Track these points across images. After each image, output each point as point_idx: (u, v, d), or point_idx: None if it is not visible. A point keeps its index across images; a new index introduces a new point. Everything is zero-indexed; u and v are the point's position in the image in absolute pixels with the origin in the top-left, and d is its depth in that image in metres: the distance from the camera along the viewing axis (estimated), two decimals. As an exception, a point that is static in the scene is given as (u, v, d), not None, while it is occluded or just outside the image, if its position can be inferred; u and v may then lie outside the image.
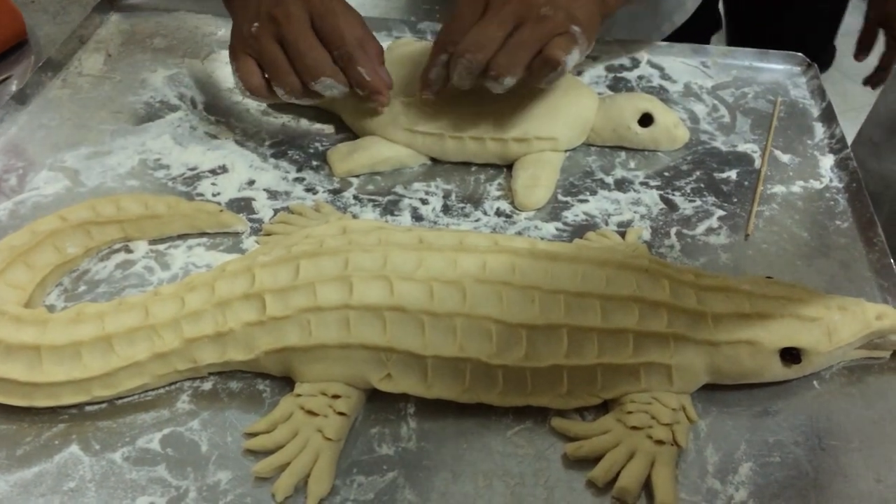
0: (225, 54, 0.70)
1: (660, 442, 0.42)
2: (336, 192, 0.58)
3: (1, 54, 0.70)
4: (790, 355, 0.44)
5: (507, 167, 0.60)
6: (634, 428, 0.42)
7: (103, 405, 0.44)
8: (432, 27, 0.73)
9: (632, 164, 0.61)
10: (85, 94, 0.65)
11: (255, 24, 0.55)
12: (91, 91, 0.66)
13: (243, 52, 0.55)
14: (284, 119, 0.64)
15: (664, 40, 0.80)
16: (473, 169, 0.60)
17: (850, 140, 0.63)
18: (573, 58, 0.53)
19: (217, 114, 0.64)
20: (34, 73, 0.66)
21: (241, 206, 0.56)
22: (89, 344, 0.43)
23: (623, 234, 0.55)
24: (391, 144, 0.59)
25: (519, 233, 0.55)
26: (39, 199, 0.56)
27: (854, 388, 0.46)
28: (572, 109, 0.60)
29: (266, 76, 0.56)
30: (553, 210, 0.57)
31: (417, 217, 0.56)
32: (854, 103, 2.01)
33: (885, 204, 0.79)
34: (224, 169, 0.59)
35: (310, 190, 0.58)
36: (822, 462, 0.43)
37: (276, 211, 0.56)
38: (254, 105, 0.65)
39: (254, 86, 0.56)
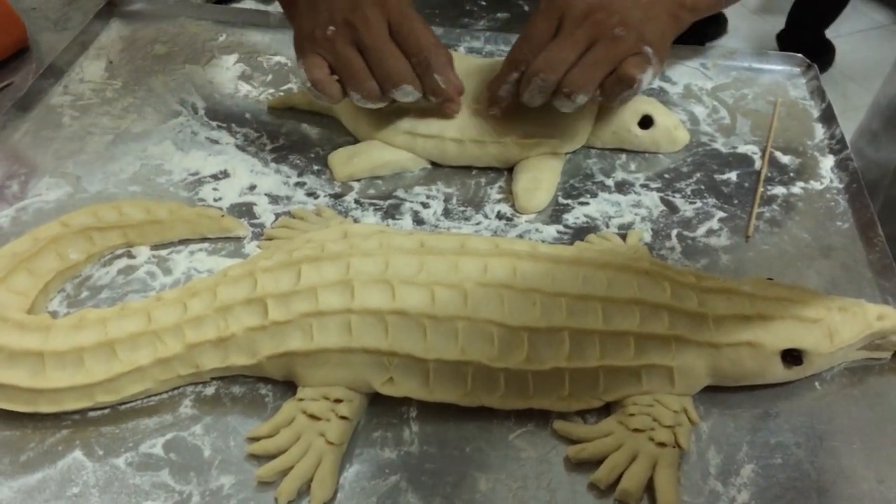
0: (226, 59, 0.70)
1: (662, 444, 0.42)
2: (337, 197, 0.58)
3: (2, 61, 0.70)
4: (791, 357, 0.44)
5: (507, 170, 0.60)
6: (636, 430, 0.42)
7: (106, 411, 0.44)
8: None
9: (632, 167, 0.61)
10: (86, 101, 0.66)
11: (331, 28, 0.54)
12: (92, 97, 0.66)
13: (313, 52, 0.55)
14: (285, 124, 0.64)
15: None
16: (474, 172, 0.60)
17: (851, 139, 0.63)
18: (647, 77, 0.54)
19: (218, 119, 0.64)
20: (36, 79, 0.66)
21: (243, 210, 0.56)
22: (92, 350, 0.43)
23: (624, 237, 0.55)
24: (391, 148, 0.59)
25: (520, 236, 0.55)
26: (41, 205, 0.56)
27: (855, 389, 0.46)
28: (572, 112, 0.60)
29: (337, 78, 0.55)
30: (554, 213, 0.57)
31: (418, 221, 0.56)
32: (854, 103, 2.02)
33: (881, 192, 0.80)
34: (225, 174, 0.59)
35: (311, 194, 0.58)
36: (824, 463, 0.43)
37: (277, 216, 0.56)
38: (254, 110, 0.65)
39: (320, 79, 0.55)
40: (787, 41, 2.08)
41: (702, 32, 1.93)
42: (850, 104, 2.00)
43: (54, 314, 0.48)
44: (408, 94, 0.56)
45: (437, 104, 0.58)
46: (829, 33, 2.13)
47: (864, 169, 0.57)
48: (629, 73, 0.53)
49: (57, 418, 0.43)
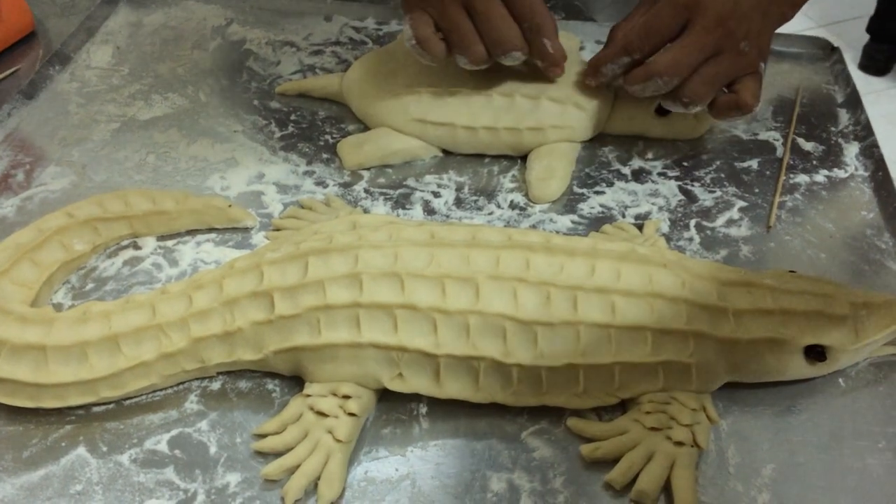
0: (234, 45, 0.69)
1: (679, 443, 0.40)
2: (347, 186, 0.56)
3: (9, 47, 0.69)
4: (815, 353, 0.43)
5: (521, 158, 0.59)
6: (653, 429, 0.41)
7: (111, 406, 0.43)
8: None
9: (649, 154, 0.60)
10: (93, 88, 0.65)
11: None
12: (99, 84, 0.65)
13: (420, 9, 0.54)
14: (294, 111, 0.63)
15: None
16: (486, 160, 0.59)
17: (874, 124, 0.61)
18: (760, 103, 0.54)
19: (225, 106, 0.63)
20: (42, 66, 0.65)
21: (251, 200, 0.55)
22: (96, 344, 0.42)
23: (640, 227, 0.53)
24: (402, 136, 0.58)
25: (533, 226, 0.54)
26: (47, 194, 0.55)
27: (881, 385, 0.45)
28: (588, 98, 0.58)
29: (442, 37, 0.54)
30: (568, 202, 0.56)
31: (430, 210, 0.55)
32: (877, 85, 1.98)
33: None
34: (233, 162, 0.58)
35: (320, 183, 0.57)
36: (849, 463, 0.41)
37: (285, 205, 0.55)
38: (263, 97, 0.64)
39: (426, 37, 0.54)
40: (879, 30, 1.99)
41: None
42: (871, 87, 1.97)
43: (59, 306, 0.48)
44: (515, 59, 0.55)
45: (544, 68, 0.57)
46: (845, 14, 2.08)
47: None
48: (748, 102, 0.53)
49: (60, 413, 0.42)
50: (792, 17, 0.56)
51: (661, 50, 0.53)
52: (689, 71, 0.52)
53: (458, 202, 0.55)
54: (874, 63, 2.01)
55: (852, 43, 2.04)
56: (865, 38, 2.02)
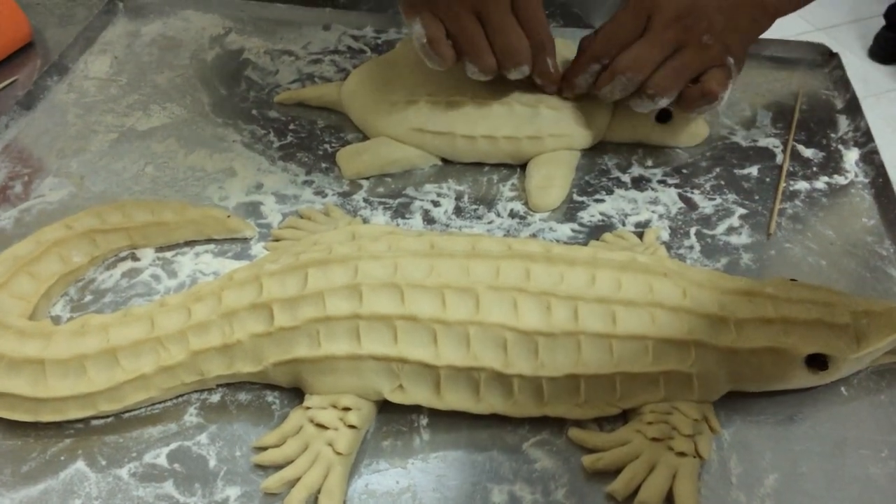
0: (232, 54, 0.69)
1: (681, 454, 0.40)
2: (346, 195, 0.56)
3: (7, 57, 0.69)
4: (817, 362, 0.43)
5: (520, 167, 0.59)
6: (655, 439, 0.41)
7: (110, 419, 0.43)
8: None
9: (649, 162, 0.59)
10: (91, 98, 0.65)
11: None
12: (97, 94, 0.65)
13: (430, 13, 0.54)
14: (292, 120, 0.63)
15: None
16: (486, 169, 0.59)
17: (874, 128, 0.61)
18: (728, 93, 0.54)
19: (223, 116, 0.63)
20: (40, 76, 0.65)
21: (249, 210, 0.55)
22: (94, 357, 0.42)
23: (641, 235, 0.53)
24: (401, 145, 0.58)
25: (533, 235, 0.54)
26: (45, 206, 0.55)
27: (883, 394, 0.45)
28: (587, 106, 0.58)
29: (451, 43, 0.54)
30: (568, 211, 0.55)
31: (429, 220, 0.55)
32: (875, 88, 1.98)
33: None
34: (231, 172, 0.58)
35: (319, 193, 0.56)
36: (852, 472, 0.41)
37: (284, 215, 0.54)
38: (261, 106, 0.64)
39: (438, 39, 0.53)
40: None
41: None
42: (871, 90, 1.97)
43: (57, 319, 0.48)
44: (522, 73, 0.55)
45: (541, 85, 0.57)
46: (850, 17, 2.09)
47: None
48: (713, 90, 0.53)
49: (59, 427, 0.42)
50: (768, 24, 0.56)
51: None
52: (652, 66, 0.53)
53: (458, 211, 0.55)
54: (883, 51, 2.06)
55: (857, 42, 2.06)
56: (866, 38, 2.04)
